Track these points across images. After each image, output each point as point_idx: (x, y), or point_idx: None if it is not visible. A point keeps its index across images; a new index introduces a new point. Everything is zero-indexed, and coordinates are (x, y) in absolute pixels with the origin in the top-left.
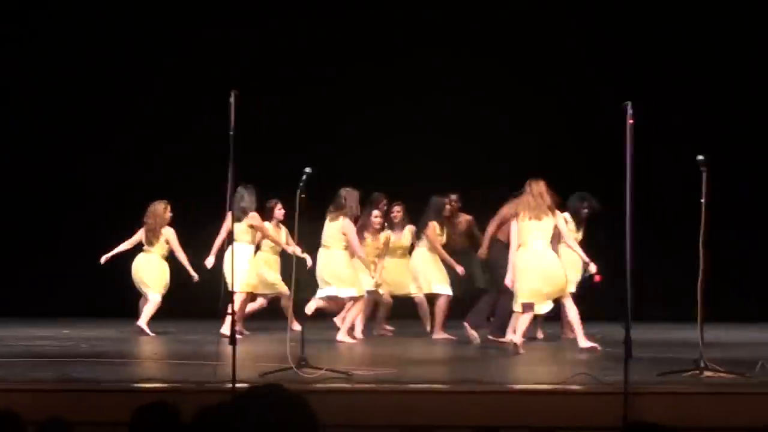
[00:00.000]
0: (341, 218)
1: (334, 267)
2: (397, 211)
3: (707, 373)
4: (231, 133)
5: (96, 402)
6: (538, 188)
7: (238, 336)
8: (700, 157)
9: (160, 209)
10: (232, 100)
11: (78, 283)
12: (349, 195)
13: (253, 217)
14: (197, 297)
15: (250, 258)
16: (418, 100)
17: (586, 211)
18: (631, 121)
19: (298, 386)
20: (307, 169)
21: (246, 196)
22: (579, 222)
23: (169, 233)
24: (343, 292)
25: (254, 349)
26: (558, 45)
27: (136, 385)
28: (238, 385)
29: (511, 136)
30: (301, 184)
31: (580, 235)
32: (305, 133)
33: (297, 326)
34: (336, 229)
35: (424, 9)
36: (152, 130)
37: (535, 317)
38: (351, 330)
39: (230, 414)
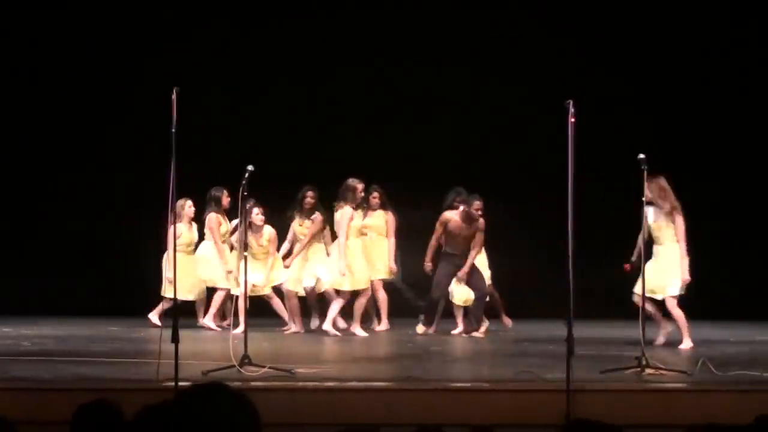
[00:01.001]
0: (345, 207)
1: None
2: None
3: (649, 371)
4: (173, 130)
5: (38, 401)
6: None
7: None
8: (641, 156)
9: (179, 204)
10: (174, 97)
11: (19, 281)
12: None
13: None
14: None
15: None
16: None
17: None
18: (573, 120)
19: (241, 384)
20: (250, 167)
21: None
22: None
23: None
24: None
25: (197, 348)
26: (500, 41)
27: (77, 383)
28: (180, 383)
29: (452, 135)
30: (243, 182)
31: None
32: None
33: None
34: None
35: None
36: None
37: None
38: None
39: (172, 412)
